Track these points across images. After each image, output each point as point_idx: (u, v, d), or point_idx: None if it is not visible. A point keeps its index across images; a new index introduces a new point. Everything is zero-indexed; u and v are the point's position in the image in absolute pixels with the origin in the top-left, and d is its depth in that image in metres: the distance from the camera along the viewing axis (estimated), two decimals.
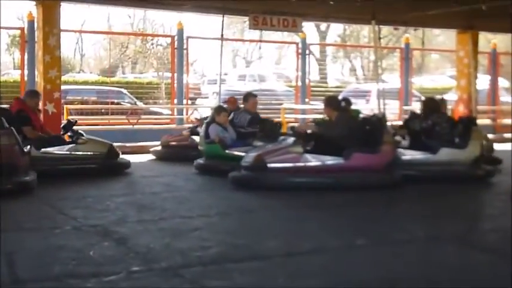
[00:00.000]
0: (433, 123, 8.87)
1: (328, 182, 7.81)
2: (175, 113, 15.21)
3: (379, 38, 15.38)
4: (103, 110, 15.22)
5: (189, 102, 16.75)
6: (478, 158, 8.74)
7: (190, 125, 12.17)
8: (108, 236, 5.34)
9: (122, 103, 16.33)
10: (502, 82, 17.98)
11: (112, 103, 15.97)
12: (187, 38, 15.62)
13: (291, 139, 8.21)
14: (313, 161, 7.95)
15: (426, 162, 8.67)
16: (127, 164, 9.49)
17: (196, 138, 10.53)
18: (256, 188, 7.73)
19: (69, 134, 9.35)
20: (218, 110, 9.77)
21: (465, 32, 15.13)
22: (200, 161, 9.51)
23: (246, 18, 13.35)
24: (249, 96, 10.16)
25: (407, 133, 9.09)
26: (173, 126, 14.56)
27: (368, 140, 8.12)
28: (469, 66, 14.99)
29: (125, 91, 17.19)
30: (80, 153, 9.04)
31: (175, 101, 15.10)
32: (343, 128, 8.13)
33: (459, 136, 8.92)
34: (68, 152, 8.98)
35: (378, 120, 8.55)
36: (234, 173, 8.14)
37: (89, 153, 9.09)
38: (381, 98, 10.26)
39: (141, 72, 28.08)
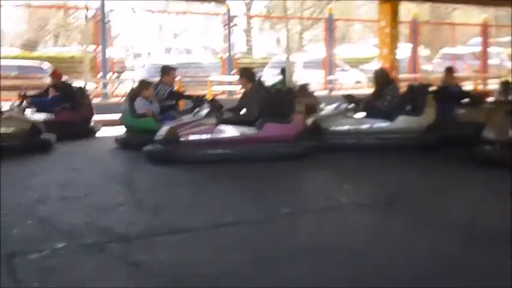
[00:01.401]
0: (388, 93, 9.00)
1: (240, 153, 7.86)
2: (100, 87, 14.98)
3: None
4: (23, 86, 14.76)
5: (114, 76, 16.51)
6: (431, 125, 8.84)
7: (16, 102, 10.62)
8: (31, 215, 5.26)
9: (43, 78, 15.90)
10: (422, 51, 18.48)
11: (33, 78, 15.54)
12: (110, 10, 15.36)
13: (205, 111, 8.22)
14: (226, 132, 8.00)
15: (385, 130, 8.70)
16: (51, 141, 9.28)
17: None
18: (170, 161, 7.70)
19: None
20: (144, 84, 9.60)
21: (386, 2, 15.41)
22: (122, 135, 9.40)
23: None
24: (167, 69, 9.96)
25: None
26: (98, 100, 14.35)
27: (283, 110, 8.18)
28: (390, 35, 15.31)
29: (46, 66, 16.75)
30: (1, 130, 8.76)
31: (100, 75, 14.89)
32: (257, 99, 8.18)
33: (412, 103, 9.00)
34: None
35: (289, 91, 8.65)
36: (147, 146, 8.10)
37: (10, 130, 8.83)
38: (292, 69, 10.26)
39: (64, 46, 27.32)
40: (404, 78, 17.47)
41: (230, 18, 16.77)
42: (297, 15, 29.63)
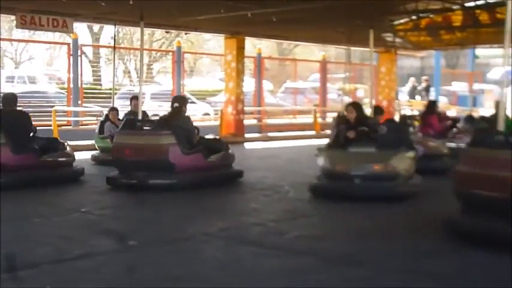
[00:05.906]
0: None
1: None
2: None
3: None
4: None
5: None
6: None
7: None
8: None
9: None
10: (267, 85, 19.19)
11: None
12: None
13: None
14: None
15: None
16: None
17: None
18: None
19: None
20: (112, 110, 11.29)
21: (232, 37, 15.94)
22: (95, 153, 11.01)
23: (14, 17, 12.79)
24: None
25: None
26: None
27: None
28: (236, 69, 15.84)
29: None
30: None
31: None
32: None
33: None
34: None
35: None
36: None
37: None
38: None
39: None
40: (249, 111, 18.07)
41: (77, 48, 16.49)
42: (146, 47, 29.68)
